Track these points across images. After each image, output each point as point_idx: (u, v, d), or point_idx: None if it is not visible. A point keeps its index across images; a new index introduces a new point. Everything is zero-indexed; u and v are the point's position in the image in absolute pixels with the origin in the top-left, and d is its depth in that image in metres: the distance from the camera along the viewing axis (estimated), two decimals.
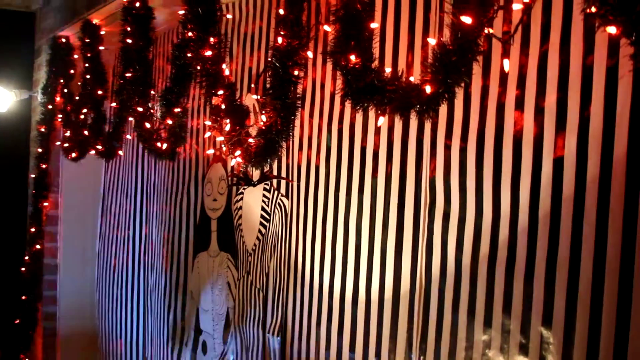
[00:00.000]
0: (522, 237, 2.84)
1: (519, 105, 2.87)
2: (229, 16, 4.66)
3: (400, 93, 2.76)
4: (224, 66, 4.02)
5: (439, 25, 3.25)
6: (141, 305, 6.03)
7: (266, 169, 3.84)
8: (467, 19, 2.43)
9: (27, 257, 6.95)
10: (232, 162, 3.92)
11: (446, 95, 2.67)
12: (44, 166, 6.83)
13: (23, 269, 6.97)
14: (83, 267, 6.97)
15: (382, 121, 3.10)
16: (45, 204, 6.91)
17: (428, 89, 2.64)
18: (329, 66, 3.86)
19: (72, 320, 6.99)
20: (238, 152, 3.71)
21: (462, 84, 2.64)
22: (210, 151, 4.75)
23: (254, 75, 4.51)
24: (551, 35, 2.76)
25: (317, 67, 3.90)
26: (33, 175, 6.96)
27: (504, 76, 2.93)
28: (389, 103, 2.83)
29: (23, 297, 6.93)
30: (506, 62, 2.53)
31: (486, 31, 2.50)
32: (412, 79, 2.85)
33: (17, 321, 6.99)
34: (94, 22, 5.81)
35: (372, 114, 3.44)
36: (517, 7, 2.53)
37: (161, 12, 5.09)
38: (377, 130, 3.55)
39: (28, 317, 6.98)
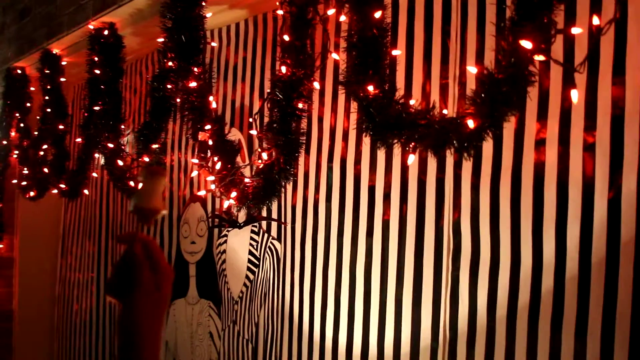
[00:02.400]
0: (571, 287, 2.54)
1: (564, 141, 2.58)
2: (214, 44, 4.31)
3: (435, 128, 2.45)
4: (210, 98, 3.68)
5: (460, 53, 2.95)
6: (107, 355, 5.60)
7: (263, 211, 3.50)
8: (526, 44, 2.13)
9: None
10: (226, 204, 3.56)
11: (490, 131, 2.36)
12: None
13: None
14: (42, 313, 6.49)
15: (413, 159, 2.78)
16: (0, 245, 6.46)
17: (471, 123, 2.34)
18: (327, 98, 3.55)
19: None
20: (234, 194, 3.36)
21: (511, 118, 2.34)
22: (202, 192, 4.38)
23: (238, 109, 4.17)
24: (601, 63, 2.47)
25: (314, 99, 3.55)
26: None
27: (543, 108, 2.64)
28: (420, 139, 2.51)
29: None
30: (574, 92, 2.24)
31: (541, 58, 2.20)
32: (445, 112, 2.55)
33: None
34: (54, 52, 5.42)
35: (380, 151, 3.19)
36: (576, 31, 2.24)
37: (130, 41, 4.73)
38: (389, 169, 3.23)
39: None
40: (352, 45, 2.78)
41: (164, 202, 2.07)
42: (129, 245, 1.75)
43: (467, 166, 2.90)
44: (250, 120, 3.96)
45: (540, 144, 2.66)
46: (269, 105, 3.30)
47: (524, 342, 2.68)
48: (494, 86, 2.26)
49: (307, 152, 3.65)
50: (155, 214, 1.86)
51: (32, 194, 5.71)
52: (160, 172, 1.89)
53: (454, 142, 2.43)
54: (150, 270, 1.73)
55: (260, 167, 3.33)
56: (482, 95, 2.30)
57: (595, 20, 2.18)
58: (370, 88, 2.70)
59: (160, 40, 3.80)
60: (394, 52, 2.84)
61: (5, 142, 6.17)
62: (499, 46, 2.26)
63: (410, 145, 2.56)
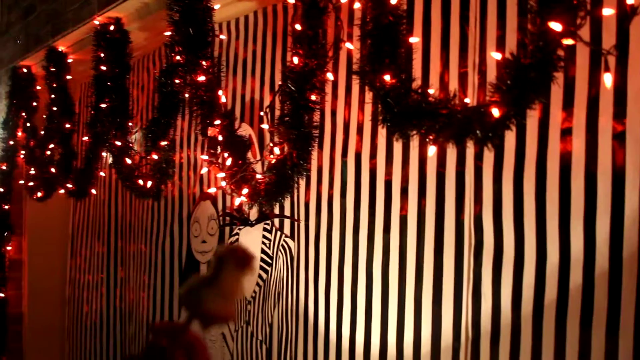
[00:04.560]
0: (602, 283, 2.42)
1: (591, 129, 2.45)
2: (223, 37, 4.19)
3: (458, 117, 2.33)
4: (220, 92, 3.56)
5: (480, 41, 2.83)
6: (118, 357, 5.50)
7: (275, 208, 3.39)
8: (556, 26, 2.00)
9: None
10: (237, 202, 3.44)
11: (515, 120, 2.24)
12: (6, 207, 6.34)
13: None
14: (51, 315, 6.40)
15: (434, 151, 2.66)
16: (8, 247, 6.42)
17: (496, 112, 2.22)
18: (341, 91, 3.43)
19: None
20: (245, 191, 3.24)
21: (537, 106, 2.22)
22: (212, 190, 4.27)
23: (248, 104, 4.06)
24: (630, 47, 2.35)
25: (327, 92, 3.42)
26: None
27: (568, 95, 2.51)
28: (442, 130, 2.39)
29: None
30: (607, 76, 2.11)
31: (569, 42, 2.08)
32: (467, 100, 2.43)
33: None
34: (59, 50, 5.32)
35: (397, 144, 3.08)
36: (608, 12, 2.11)
37: (136, 36, 4.63)
38: (406, 162, 3.11)
39: None
40: (367, 33, 2.68)
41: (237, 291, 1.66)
42: (168, 347, 1.33)
43: (488, 158, 2.78)
44: (261, 114, 3.85)
45: (566, 133, 2.54)
46: (280, 98, 3.19)
47: (552, 341, 2.57)
48: (521, 72, 2.14)
49: (320, 146, 3.53)
50: (223, 321, 1.47)
51: (39, 194, 5.63)
52: (241, 258, 1.47)
53: (477, 132, 2.31)
54: None
55: (272, 162, 3.23)
56: (508, 82, 2.18)
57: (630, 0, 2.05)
58: (387, 77, 2.59)
59: (168, 34, 3.69)
60: (411, 40, 2.72)
61: (12, 143, 6.08)
62: (525, 29, 2.14)
63: (431, 137, 2.44)
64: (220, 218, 4.31)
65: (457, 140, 2.38)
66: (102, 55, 4.54)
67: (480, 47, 2.83)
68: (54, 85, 5.36)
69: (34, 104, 5.85)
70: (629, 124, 2.36)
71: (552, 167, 2.58)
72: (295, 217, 3.71)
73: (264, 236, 3.95)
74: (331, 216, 3.51)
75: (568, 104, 2.52)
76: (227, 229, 4.25)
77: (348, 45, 3.14)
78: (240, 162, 3.39)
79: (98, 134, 4.73)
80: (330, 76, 3.14)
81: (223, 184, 3.47)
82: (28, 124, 5.83)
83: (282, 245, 3.82)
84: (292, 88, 3.04)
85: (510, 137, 2.67)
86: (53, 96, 5.38)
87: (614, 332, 2.39)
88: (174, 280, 4.79)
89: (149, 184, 4.24)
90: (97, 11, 4.53)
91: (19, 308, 6.46)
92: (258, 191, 3.25)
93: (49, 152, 5.51)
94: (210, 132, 3.50)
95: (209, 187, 4.38)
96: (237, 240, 4.15)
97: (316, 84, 3.05)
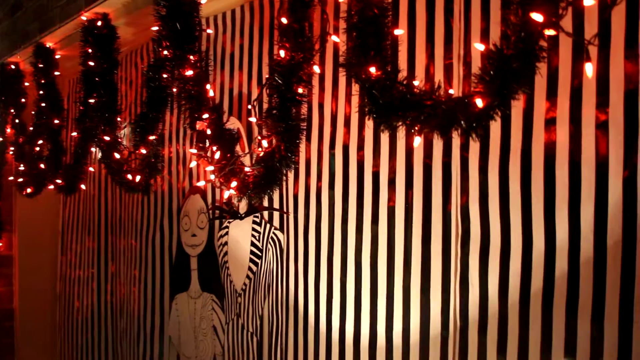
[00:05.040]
0: (586, 270, 2.45)
1: (575, 119, 2.48)
2: (210, 31, 4.21)
3: (442, 108, 2.35)
4: (207, 86, 3.58)
5: (465, 32, 2.85)
6: (110, 352, 5.52)
7: (264, 201, 3.40)
8: (537, 16, 2.03)
9: None
10: (226, 195, 3.46)
11: (499, 110, 2.27)
12: None
13: None
14: (43, 311, 6.40)
15: (419, 142, 2.68)
16: None
17: (479, 102, 2.24)
18: (328, 84, 3.46)
19: None
20: (234, 184, 3.26)
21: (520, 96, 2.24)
22: (201, 183, 4.28)
23: (236, 97, 4.08)
24: (612, 37, 2.38)
25: (314, 84, 3.44)
26: None
27: (552, 85, 2.54)
28: (427, 120, 2.42)
29: None
30: (589, 66, 2.13)
31: (551, 32, 2.10)
32: (451, 91, 2.45)
33: None
34: (47, 46, 5.32)
35: (384, 136, 3.10)
36: (588, 2, 2.14)
37: (124, 31, 4.63)
38: (393, 154, 3.13)
39: None
40: (352, 26, 2.69)
41: None
42: None
43: (474, 148, 2.81)
44: (249, 107, 3.87)
45: (550, 123, 2.56)
46: (267, 91, 3.20)
47: (538, 328, 2.60)
48: (504, 63, 2.16)
49: (308, 139, 3.56)
50: None
51: (29, 190, 5.62)
52: None
53: (462, 122, 2.33)
54: None
55: (261, 155, 3.24)
56: (491, 72, 2.20)
57: None
58: (372, 69, 2.60)
59: (155, 29, 3.69)
60: (396, 32, 2.74)
61: (0, 139, 6.07)
62: (508, 21, 2.16)
63: (416, 128, 2.46)
64: (210, 211, 4.33)
65: (442, 131, 2.40)
66: (89, 51, 4.53)
67: (464, 39, 2.86)
68: (42, 81, 5.35)
69: (23, 100, 5.83)
70: (612, 113, 2.39)
71: (536, 156, 2.60)
72: (284, 210, 3.74)
73: (253, 229, 3.97)
74: (320, 208, 3.53)
75: (552, 94, 2.55)
76: (217, 222, 4.27)
77: (334, 38, 3.16)
78: (228, 155, 3.40)
79: (87, 129, 4.72)
80: (316, 69, 3.16)
81: (212, 177, 3.48)
82: (17, 121, 5.82)
83: (272, 238, 3.84)
84: (279, 81, 3.05)
85: (495, 128, 2.70)
86: (41, 92, 5.37)
87: (599, 319, 2.42)
88: (165, 274, 4.81)
89: (138, 178, 4.25)
90: (84, 7, 4.53)
91: (10, 304, 6.46)
92: (247, 184, 3.26)
93: (38, 148, 5.51)
94: (199, 125, 3.51)
95: (198, 180, 4.40)
96: (226, 233, 4.17)
97: (303, 77, 3.06)
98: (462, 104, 2.31)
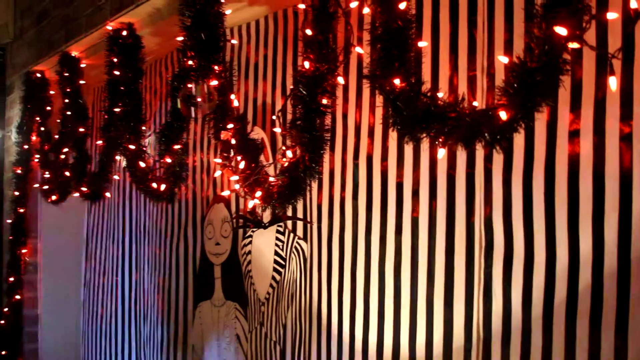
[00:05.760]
0: (610, 283, 2.45)
1: (599, 131, 2.48)
2: (234, 41, 4.24)
3: (466, 120, 2.36)
4: (232, 96, 3.61)
5: (488, 44, 2.86)
6: (133, 359, 5.55)
7: (288, 211, 3.42)
8: (561, 30, 2.03)
9: (6, 309, 6.50)
10: (250, 204, 3.48)
11: (523, 122, 2.28)
12: (21, 210, 6.39)
13: (2, 321, 6.52)
14: (67, 317, 6.47)
15: (444, 154, 2.69)
16: (24, 250, 6.47)
17: (503, 114, 2.25)
18: (352, 94, 3.47)
19: None
20: (259, 193, 3.28)
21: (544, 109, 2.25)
22: (226, 192, 4.30)
23: (260, 107, 4.10)
24: (636, 50, 2.38)
25: (338, 95, 3.45)
26: (9, 221, 6.53)
27: (576, 98, 2.54)
28: (450, 132, 2.43)
29: (3, 352, 6.44)
30: (612, 79, 2.14)
31: (575, 45, 2.11)
32: (475, 103, 2.46)
33: None
34: (73, 55, 5.38)
35: (408, 147, 3.11)
36: (612, 16, 2.14)
37: (148, 41, 4.67)
38: (417, 165, 3.14)
39: None
40: (377, 38, 2.71)
41: None
42: None
43: (498, 160, 2.81)
44: (274, 117, 3.89)
45: (574, 135, 2.56)
46: (292, 102, 3.22)
47: (562, 340, 2.59)
48: (527, 76, 2.17)
49: (332, 149, 3.57)
50: None
51: (54, 197, 5.68)
52: None
53: (485, 134, 2.34)
54: None
55: (285, 165, 3.26)
56: (515, 85, 2.21)
57: (633, 4, 2.08)
58: (397, 81, 2.62)
59: (180, 39, 3.73)
60: (420, 44, 2.75)
61: (26, 147, 6.14)
62: (531, 34, 2.17)
63: (440, 139, 2.48)
64: (234, 220, 4.35)
65: (465, 143, 2.41)
66: (115, 60, 4.58)
67: (488, 51, 2.86)
68: (68, 89, 5.40)
69: (48, 108, 5.91)
70: (636, 125, 2.39)
71: (560, 168, 2.60)
72: (308, 220, 3.75)
73: (277, 238, 3.99)
74: (343, 218, 3.55)
75: (575, 106, 2.55)
76: (241, 230, 4.29)
77: (358, 49, 3.17)
78: (253, 165, 3.43)
79: (112, 138, 4.77)
80: (341, 80, 3.18)
81: (236, 186, 3.51)
82: (42, 128, 5.90)
83: (295, 247, 3.85)
84: (304, 92, 3.07)
85: (519, 140, 2.70)
86: (66, 101, 5.42)
87: (623, 332, 2.41)
88: (188, 282, 4.83)
89: (163, 187, 4.29)
90: (109, 17, 4.58)
91: (34, 310, 6.52)
92: (271, 194, 3.28)
93: (63, 156, 5.57)
94: (223, 135, 3.54)
95: (222, 190, 4.43)
96: (250, 242, 4.19)
97: (327, 88, 3.08)
98: (486, 116, 2.33)
